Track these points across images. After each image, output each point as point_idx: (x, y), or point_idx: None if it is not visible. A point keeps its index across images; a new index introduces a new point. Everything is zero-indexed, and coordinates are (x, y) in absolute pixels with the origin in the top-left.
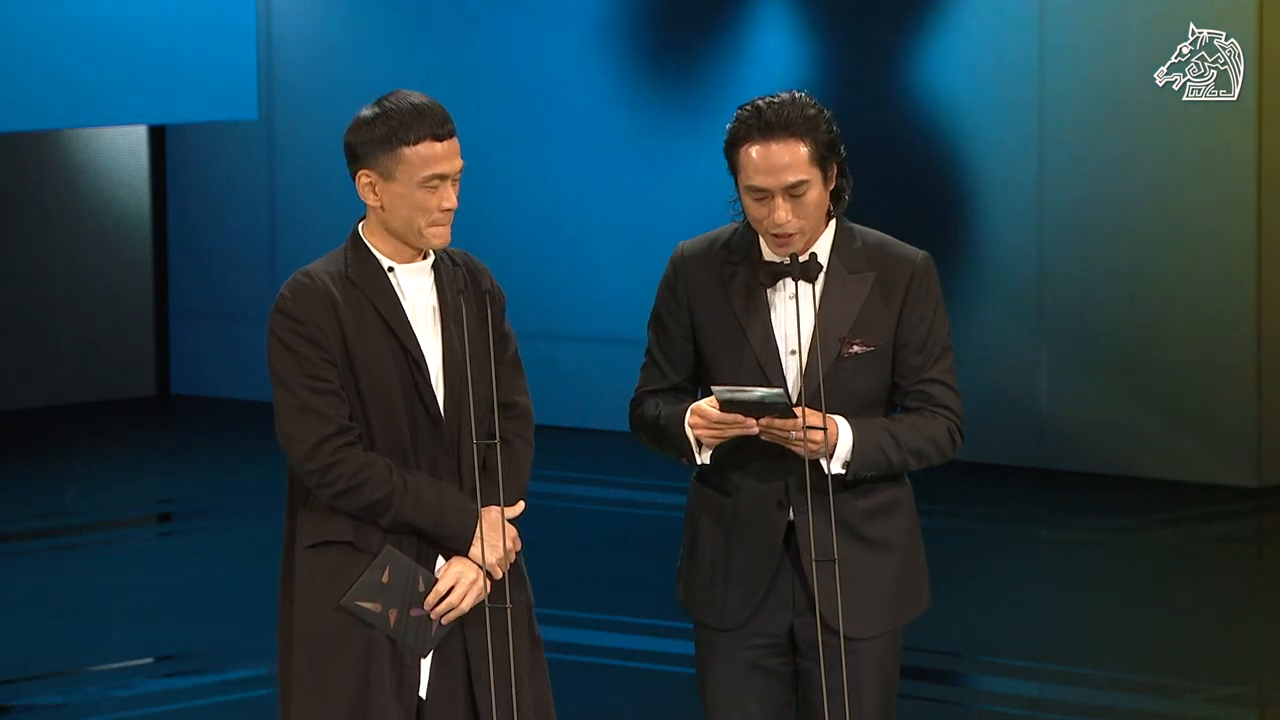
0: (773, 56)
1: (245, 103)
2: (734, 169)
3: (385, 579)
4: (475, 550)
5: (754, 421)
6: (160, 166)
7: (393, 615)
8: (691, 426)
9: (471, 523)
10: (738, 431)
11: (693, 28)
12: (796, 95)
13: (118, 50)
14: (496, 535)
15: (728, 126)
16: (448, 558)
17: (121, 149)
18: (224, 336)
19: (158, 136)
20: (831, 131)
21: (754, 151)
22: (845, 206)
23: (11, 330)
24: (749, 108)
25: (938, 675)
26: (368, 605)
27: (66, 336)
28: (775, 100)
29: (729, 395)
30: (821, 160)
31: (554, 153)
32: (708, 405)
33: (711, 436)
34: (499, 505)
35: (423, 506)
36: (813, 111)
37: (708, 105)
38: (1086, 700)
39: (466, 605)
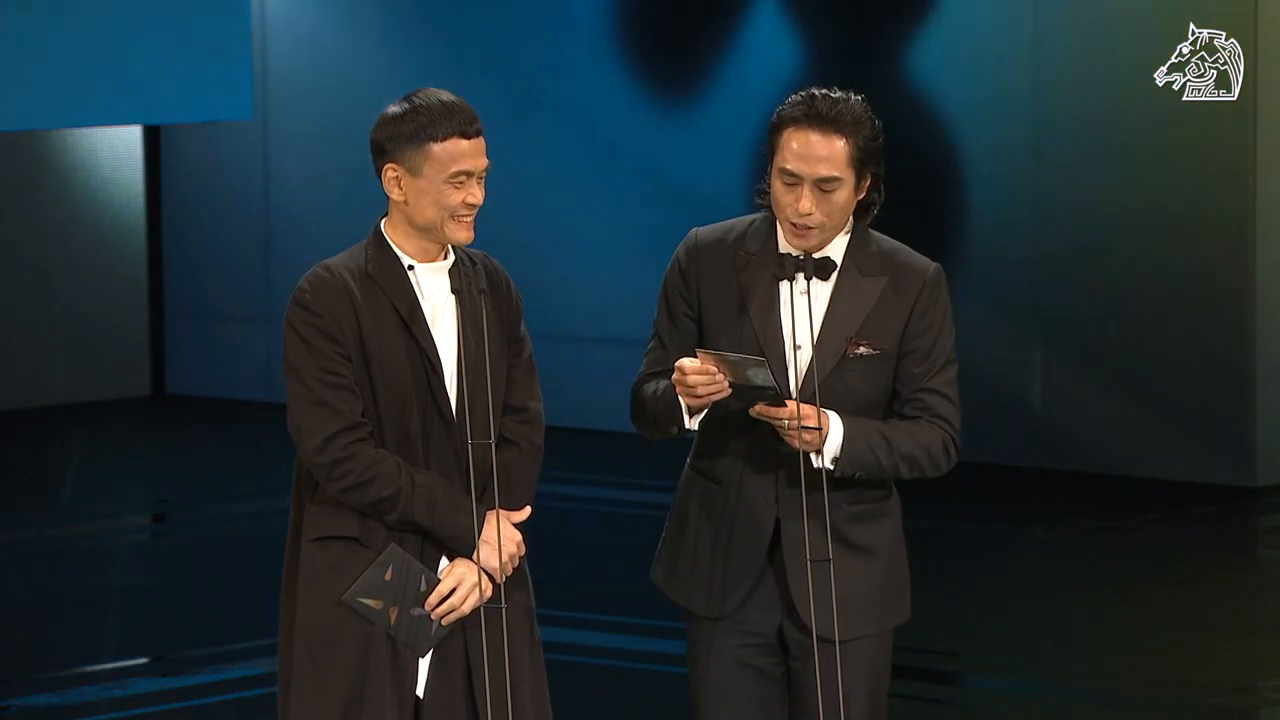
0: (769, 57)
1: (240, 103)
2: (772, 150)
3: (388, 577)
4: (479, 553)
5: (722, 377)
6: (155, 166)
7: (393, 613)
8: (675, 383)
9: (472, 529)
10: (712, 389)
11: (689, 28)
12: (851, 96)
13: (112, 50)
14: (501, 539)
15: (778, 108)
16: (451, 559)
17: (116, 149)
18: (219, 336)
19: (153, 136)
20: (876, 139)
21: (795, 137)
22: (870, 220)
23: (6, 330)
24: (803, 94)
25: (932, 675)
26: (369, 602)
27: (61, 336)
28: (830, 94)
29: (716, 358)
30: (858, 163)
31: (550, 152)
32: (688, 361)
33: (687, 397)
34: (506, 509)
35: (429, 507)
36: (863, 115)
37: (705, 106)
38: (1081, 700)
39: (468, 608)
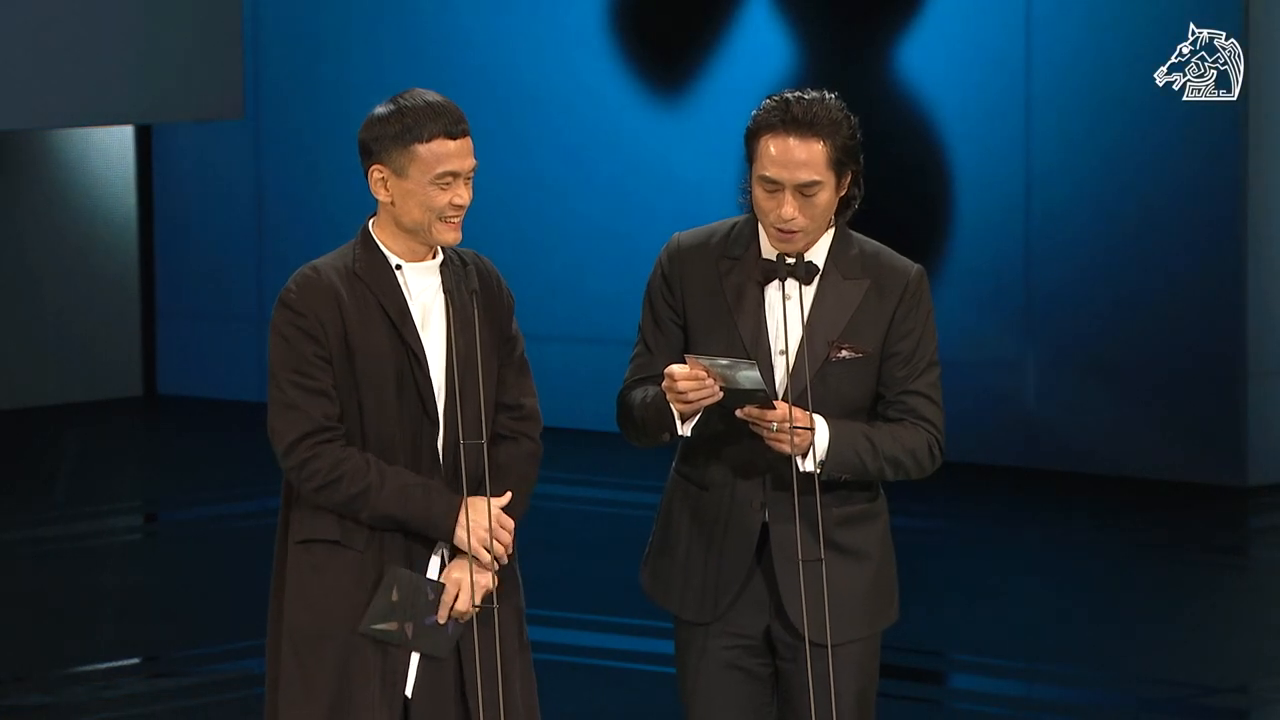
0: (761, 56)
1: (233, 103)
2: (750, 157)
3: (395, 598)
4: (459, 535)
5: (713, 383)
6: (147, 167)
7: (409, 629)
8: (665, 390)
9: (451, 509)
10: (704, 394)
11: (680, 28)
12: (826, 95)
13: (104, 49)
14: (481, 517)
15: (753, 114)
16: (438, 555)
17: (108, 149)
18: (211, 337)
19: (144, 136)
20: (854, 138)
21: (773, 143)
22: (850, 217)
23: None
24: (777, 99)
25: (923, 675)
26: (384, 627)
27: (53, 337)
28: (804, 97)
29: (707, 363)
30: (838, 164)
31: (541, 153)
32: (678, 367)
33: (679, 403)
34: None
35: (400, 498)
36: (839, 115)
37: (695, 106)
38: (1073, 701)
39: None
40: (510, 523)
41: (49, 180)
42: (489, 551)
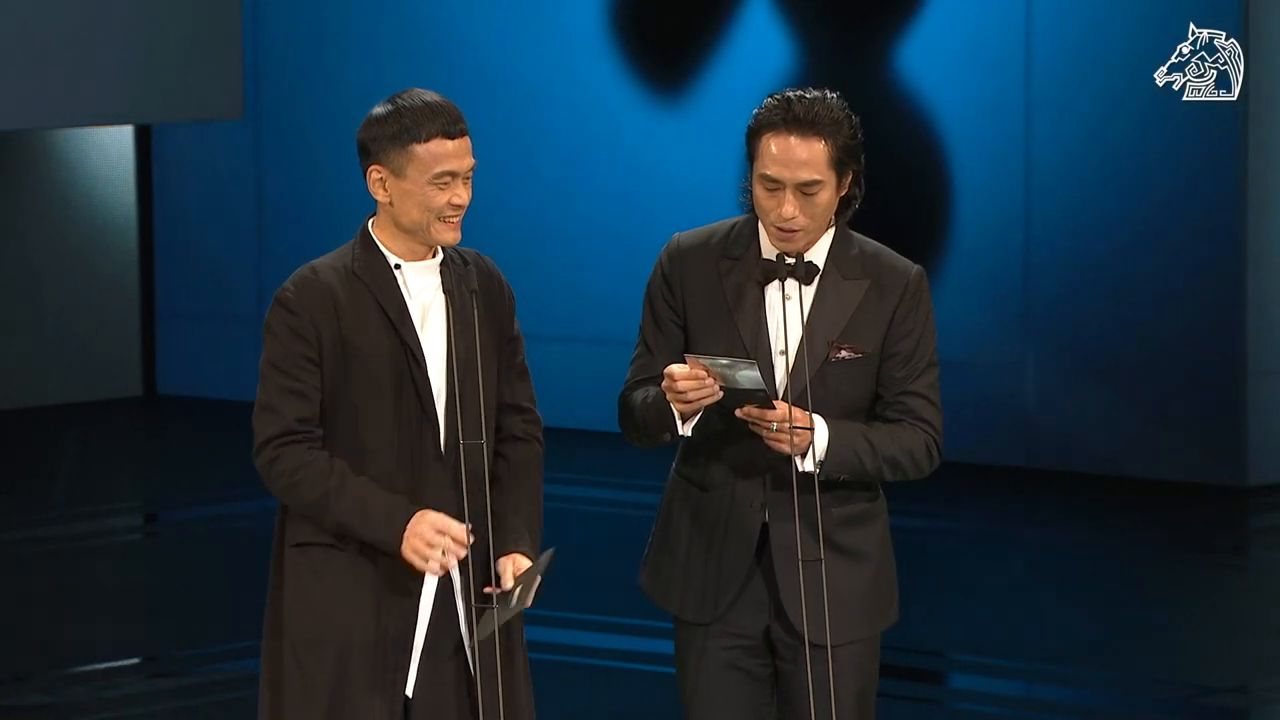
0: (761, 56)
1: (233, 103)
2: (751, 156)
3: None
4: (405, 548)
5: (713, 382)
6: (146, 167)
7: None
8: (665, 390)
9: (398, 525)
10: (704, 394)
11: (680, 28)
12: (828, 95)
13: (104, 49)
14: (423, 527)
15: (754, 112)
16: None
17: (108, 149)
18: (211, 337)
19: (144, 136)
20: (855, 138)
21: (775, 142)
22: (850, 216)
23: None
24: (779, 98)
25: (923, 675)
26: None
27: (53, 337)
28: (806, 95)
29: (707, 363)
30: (839, 164)
31: (541, 153)
32: (678, 367)
33: (678, 403)
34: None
35: (356, 509)
36: (840, 114)
37: (695, 106)
38: (1072, 701)
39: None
40: (453, 528)
41: (49, 180)
42: (437, 560)
